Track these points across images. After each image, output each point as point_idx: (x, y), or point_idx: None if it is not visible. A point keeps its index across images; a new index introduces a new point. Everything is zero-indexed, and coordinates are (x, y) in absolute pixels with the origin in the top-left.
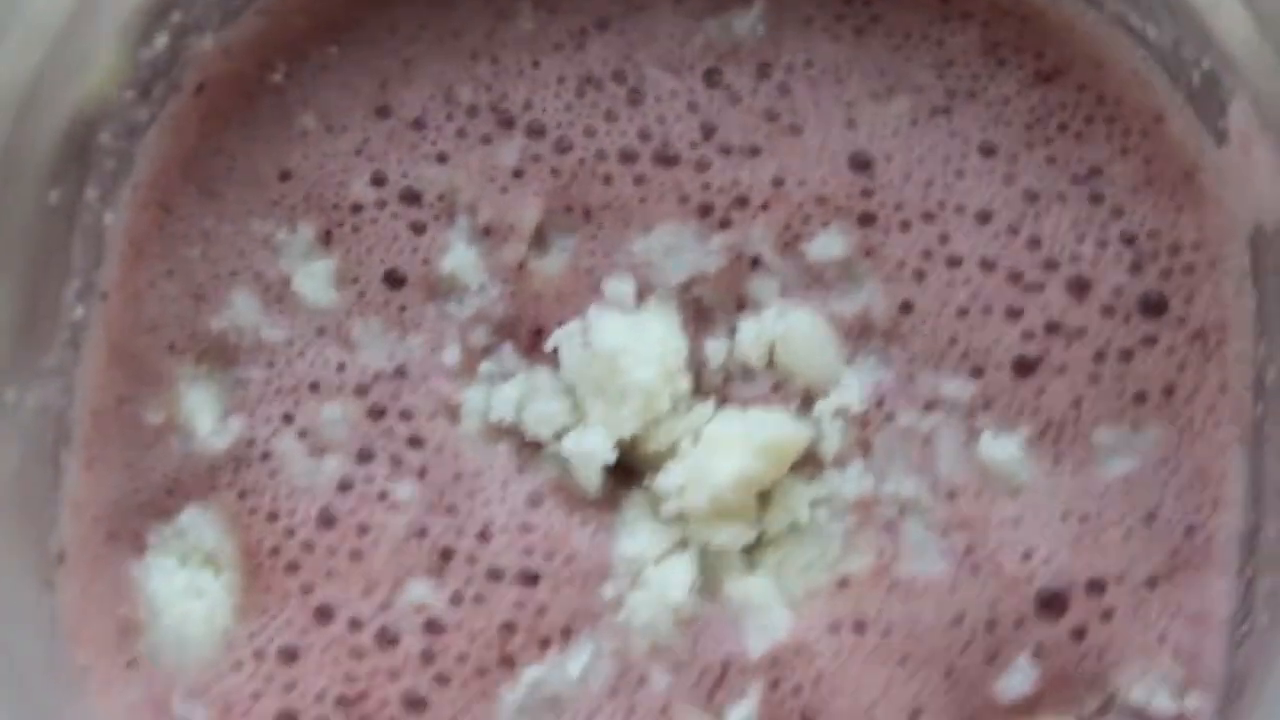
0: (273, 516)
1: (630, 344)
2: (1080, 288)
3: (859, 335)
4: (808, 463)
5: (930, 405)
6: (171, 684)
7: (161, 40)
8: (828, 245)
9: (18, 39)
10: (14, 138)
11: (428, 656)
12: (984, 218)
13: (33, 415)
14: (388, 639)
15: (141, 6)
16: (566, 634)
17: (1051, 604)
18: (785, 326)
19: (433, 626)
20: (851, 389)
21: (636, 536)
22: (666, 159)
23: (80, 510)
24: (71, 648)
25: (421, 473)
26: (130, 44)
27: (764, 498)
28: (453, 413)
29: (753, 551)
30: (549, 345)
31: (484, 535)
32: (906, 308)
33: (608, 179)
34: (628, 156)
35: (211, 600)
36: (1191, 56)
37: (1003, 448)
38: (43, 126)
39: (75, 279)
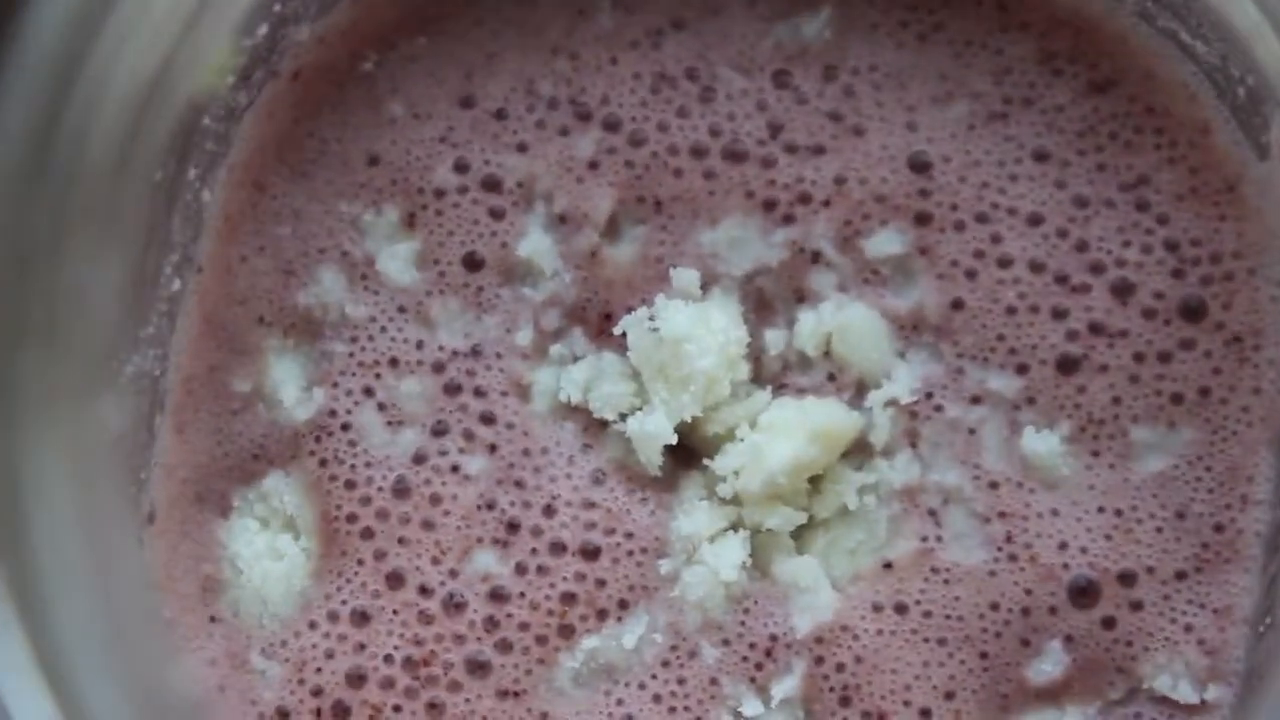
0: (350, 485)
1: (694, 331)
2: (1124, 291)
3: (911, 330)
4: (858, 450)
5: (976, 399)
6: (250, 640)
7: (263, 30)
8: (885, 242)
9: (144, 37)
10: (137, 125)
11: (491, 623)
12: (1035, 220)
13: (131, 383)
14: (454, 605)
15: (251, 1)
16: (623, 606)
17: (1084, 593)
18: (842, 319)
19: (497, 595)
20: (902, 381)
21: (693, 516)
22: (735, 155)
23: (170, 473)
24: (159, 602)
25: (492, 448)
26: (238, 37)
27: (815, 483)
28: (524, 391)
29: (802, 534)
30: (618, 330)
31: (549, 510)
32: (958, 305)
33: (678, 173)
34: (698, 151)
35: (290, 562)
36: (1237, 73)
37: (1044, 442)
38: (160, 114)
39: (174, 253)
